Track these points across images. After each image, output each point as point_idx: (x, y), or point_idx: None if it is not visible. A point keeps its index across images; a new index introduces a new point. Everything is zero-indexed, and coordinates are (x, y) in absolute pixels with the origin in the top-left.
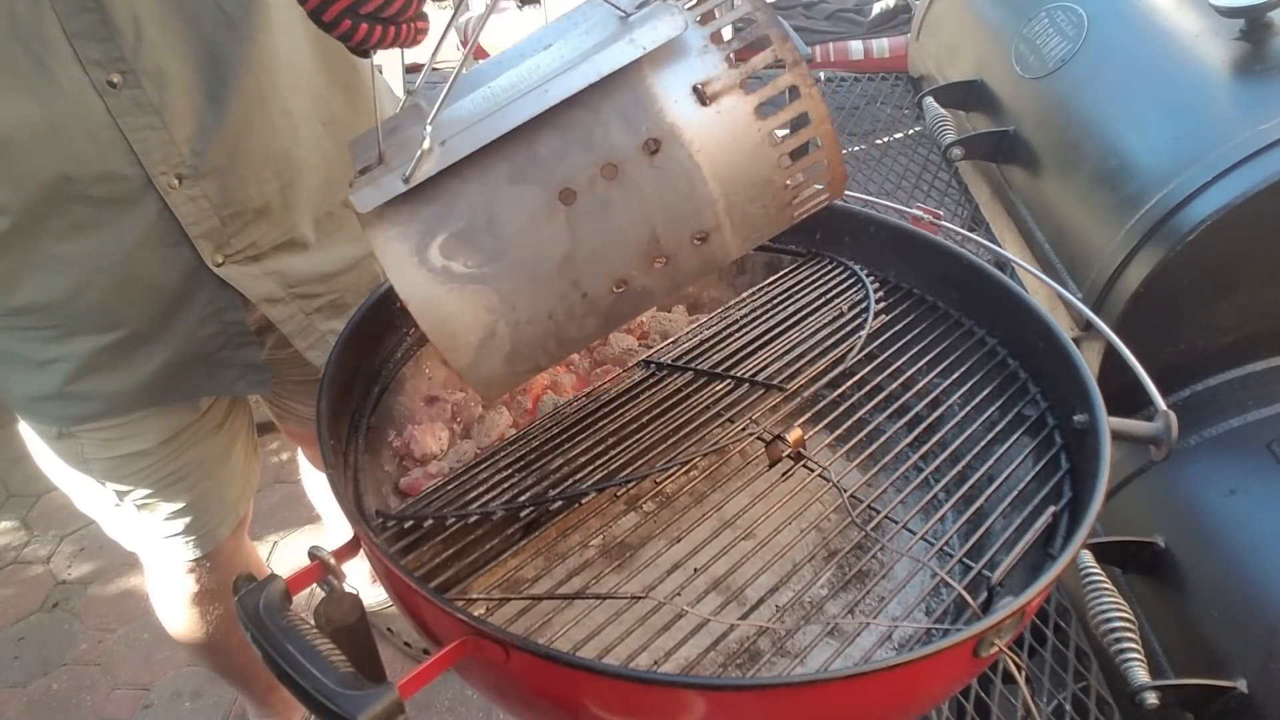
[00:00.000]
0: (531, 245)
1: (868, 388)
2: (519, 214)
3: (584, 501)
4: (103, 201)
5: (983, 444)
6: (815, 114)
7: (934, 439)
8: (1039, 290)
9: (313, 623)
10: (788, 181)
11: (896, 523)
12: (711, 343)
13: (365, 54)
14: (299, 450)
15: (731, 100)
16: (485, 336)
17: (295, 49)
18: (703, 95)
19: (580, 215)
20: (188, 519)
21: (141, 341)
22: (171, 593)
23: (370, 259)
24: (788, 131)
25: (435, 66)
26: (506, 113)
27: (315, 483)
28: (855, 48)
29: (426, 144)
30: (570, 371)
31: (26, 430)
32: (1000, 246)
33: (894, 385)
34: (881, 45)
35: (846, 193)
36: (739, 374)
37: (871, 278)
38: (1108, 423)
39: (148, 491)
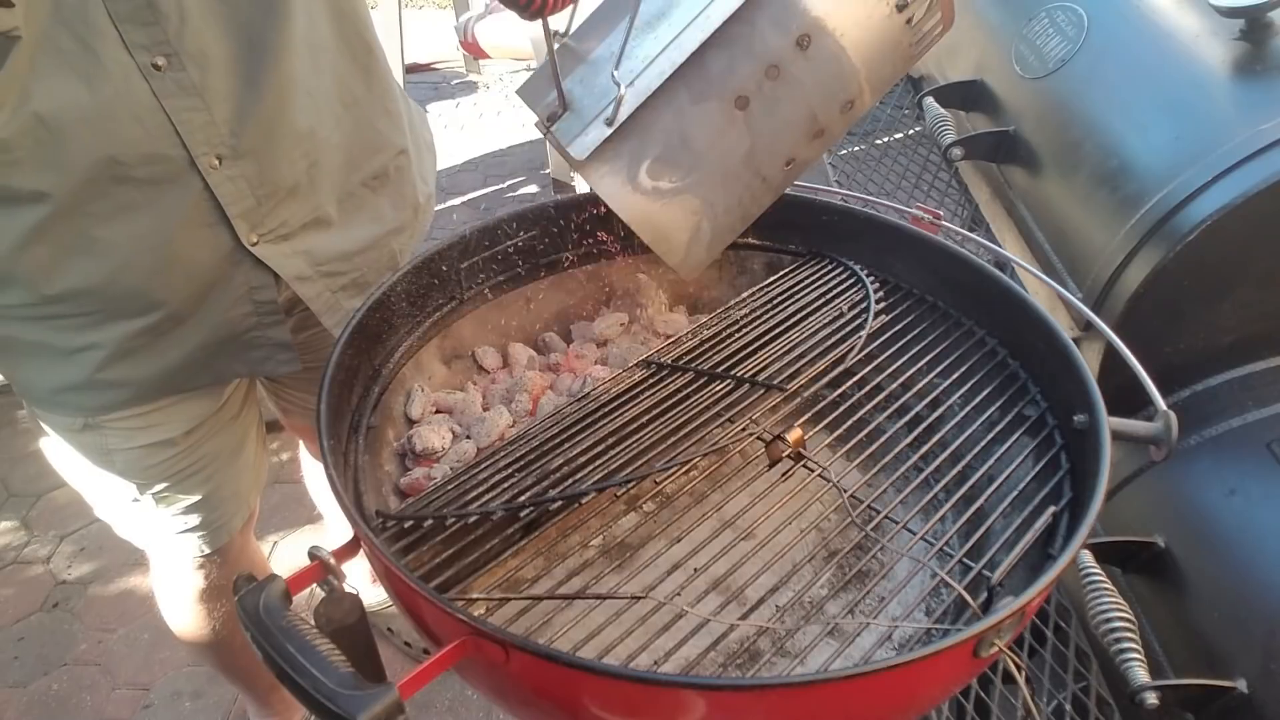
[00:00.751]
0: (721, 152)
1: (868, 388)
2: (706, 128)
3: (584, 501)
4: (146, 183)
5: (983, 444)
6: None
7: (934, 439)
8: (1039, 290)
9: (313, 623)
10: (913, 38)
11: (896, 523)
12: (712, 343)
13: (538, 16)
14: (301, 448)
15: None
16: (693, 234)
17: (317, 31)
18: None
19: (755, 115)
20: (204, 512)
21: (176, 324)
22: (178, 590)
23: (388, 237)
24: None
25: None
26: (679, 44)
27: (317, 479)
28: None
29: (621, 89)
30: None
31: (44, 430)
32: (1000, 246)
33: (894, 385)
34: None
35: (846, 192)
36: (739, 374)
37: (871, 278)
38: (1108, 423)
39: (166, 484)
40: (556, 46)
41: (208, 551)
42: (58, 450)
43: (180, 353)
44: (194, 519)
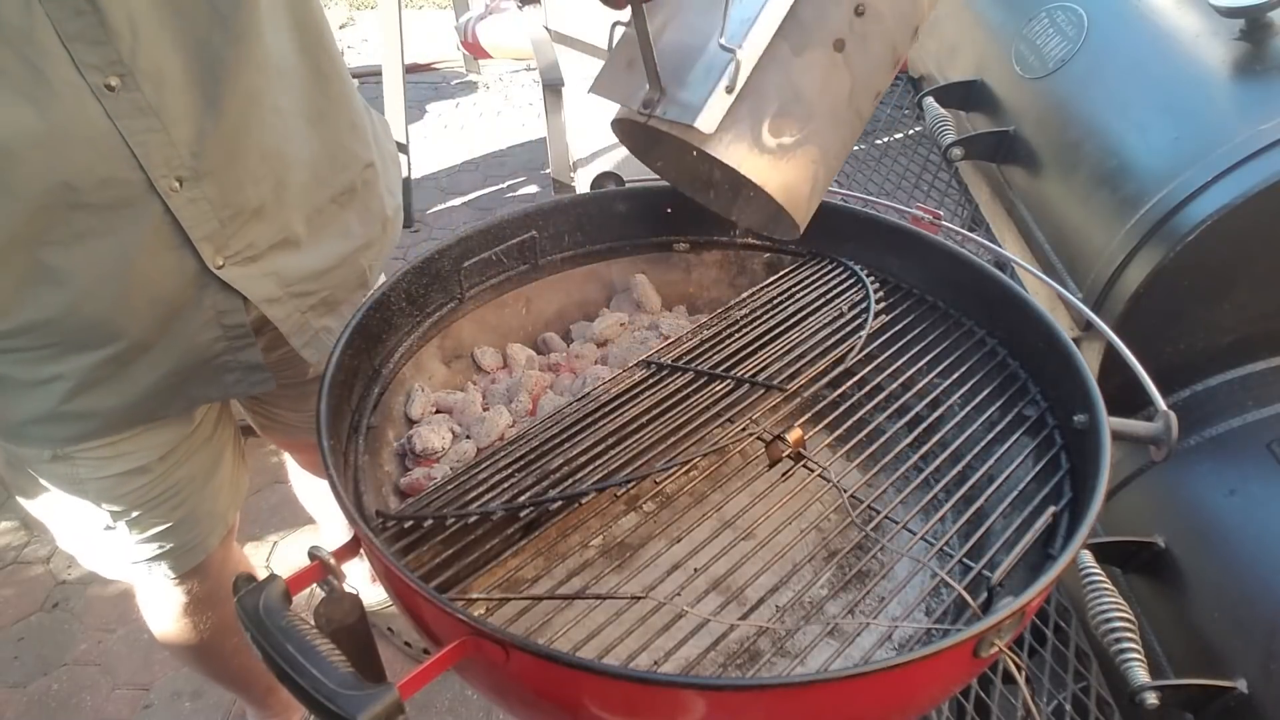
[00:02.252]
0: (830, 97)
1: (868, 388)
2: (814, 77)
3: (584, 501)
4: (103, 209)
5: (983, 444)
6: None
7: (934, 439)
8: (1039, 290)
9: (313, 623)
10: None
11: (896, 523)
12: (712, 343)
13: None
14: (288, 455)
15: None
16: (814, 184)
17: (283, 47)
18: None
19: (851, 55)
20: (180, 533)
21: (141, 352)
22: (163, 604)
23: (357, 254)
24: None
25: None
26: (772, 1)
27: (305, 487)
28: None
29: (738, 54)
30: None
31: (5, 464)
32: (1000, 246)
33: (894, 385)
34: None
35: (846, 193)
36: (739, 374)
37: (871, 278)
38: (1108, 423)
39: (141, 511)
40: (619, 33)
41: (186, 570)
42: (24, 483)
43: (150, 380)
44: (169, 542)
